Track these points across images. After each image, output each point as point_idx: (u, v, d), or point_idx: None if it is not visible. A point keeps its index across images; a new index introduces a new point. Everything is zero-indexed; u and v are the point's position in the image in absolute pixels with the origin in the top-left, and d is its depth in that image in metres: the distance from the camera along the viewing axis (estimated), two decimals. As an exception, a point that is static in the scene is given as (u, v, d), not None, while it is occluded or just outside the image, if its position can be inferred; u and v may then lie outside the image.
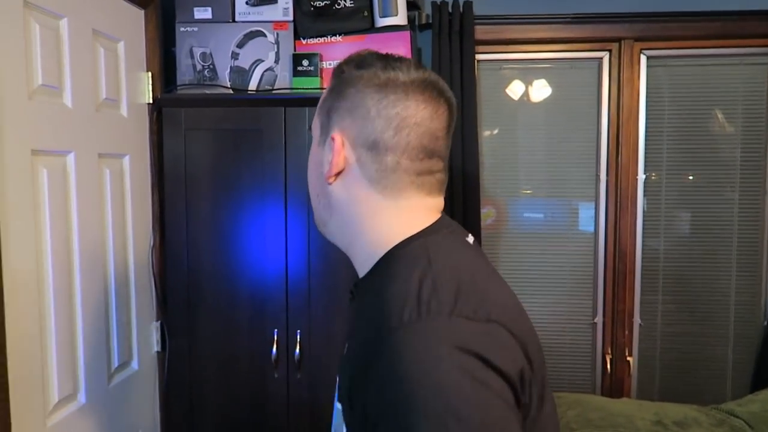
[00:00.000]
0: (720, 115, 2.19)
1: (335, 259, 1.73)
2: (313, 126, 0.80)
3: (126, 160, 1.65)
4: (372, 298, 0.68)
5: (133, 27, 1.68)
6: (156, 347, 1.81)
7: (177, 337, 1.79)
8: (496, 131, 2.26)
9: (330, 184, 0.76)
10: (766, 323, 2.19)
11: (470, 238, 0.79)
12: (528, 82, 2.25)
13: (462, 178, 2.04)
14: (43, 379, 1.30)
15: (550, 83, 2.24)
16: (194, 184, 1.75)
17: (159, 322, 1.82)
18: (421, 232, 0.73)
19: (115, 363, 1.61)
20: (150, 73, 1.74)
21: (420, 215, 0.75)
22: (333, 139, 0.74)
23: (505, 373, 0.58)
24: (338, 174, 0.75)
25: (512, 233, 2.28)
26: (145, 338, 1.76)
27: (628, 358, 2.20)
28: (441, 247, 0.71)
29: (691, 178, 2.20)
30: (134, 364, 1.72)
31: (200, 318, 1.78)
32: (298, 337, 1.75)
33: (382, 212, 0.74)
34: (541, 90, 2.25)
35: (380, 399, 0.58)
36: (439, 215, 0.77)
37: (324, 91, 0.80)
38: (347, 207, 0.76)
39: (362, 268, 0.77)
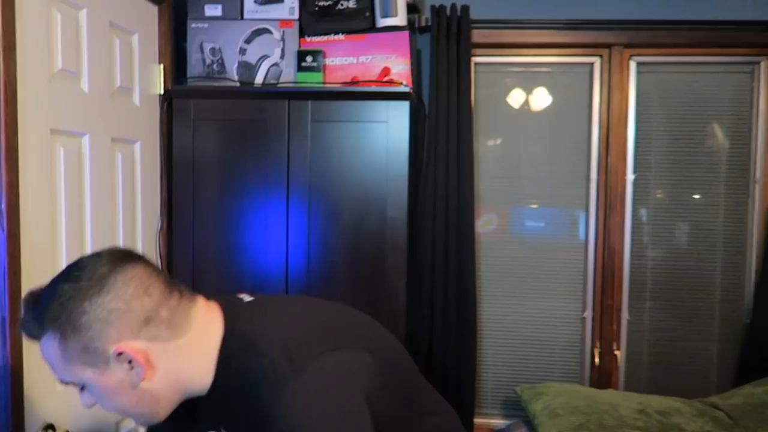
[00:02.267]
0: (718, 129, 2.27)
1: (334, 248, 1.81)
2: (70, 378, 0.80)
3: (137, 146, 1.73)
4: (240, 382, 0.80)
5: (147, 21, 1.78)
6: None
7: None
8: (497, 139, 2.35)
9: (146, 380, 0.80)
10: (748, 321, 2.26)
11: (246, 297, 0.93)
12: (523, 87, 2.34)
13: (457, 183, 2.12)
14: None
15: (545, 87, 2.33)
16: (201, 171, 1.84)
17: (163, 304, 1.88)
18: (225, 333, 0.84)
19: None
20: (162, 66, 1.83)
21: (208, 317, 0.86)
22: (120, 353, 0.77)
23: None
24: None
25: (510, 239, 2.36)
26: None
27: (616, 352, 2.27)
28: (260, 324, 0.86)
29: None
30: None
31: (203, 301, 1.85)
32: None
33: (192, 345, 0.83)
34: (537, 95, 2.34)
35: None
36: (217, 312, 0.86)
37: (57, 351, 0.78)
38: (169, 375, 0.82)
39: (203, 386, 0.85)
